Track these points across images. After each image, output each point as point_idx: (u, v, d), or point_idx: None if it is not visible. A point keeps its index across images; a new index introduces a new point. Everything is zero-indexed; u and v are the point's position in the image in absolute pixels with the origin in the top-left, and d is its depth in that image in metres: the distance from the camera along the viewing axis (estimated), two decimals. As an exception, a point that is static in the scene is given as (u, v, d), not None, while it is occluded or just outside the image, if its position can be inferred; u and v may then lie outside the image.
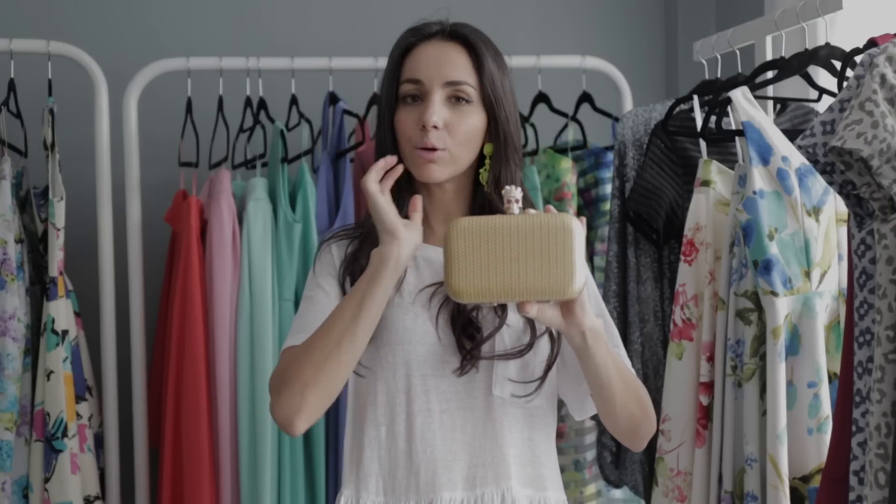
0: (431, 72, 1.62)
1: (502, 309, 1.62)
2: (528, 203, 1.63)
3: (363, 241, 1.68)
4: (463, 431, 1.62)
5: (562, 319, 1.51)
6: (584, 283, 1.44)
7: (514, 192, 1.47)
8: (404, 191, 1.67)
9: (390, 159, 1.62)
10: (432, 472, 1.62)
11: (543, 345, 1.64)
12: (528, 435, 1.66)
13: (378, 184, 1.59)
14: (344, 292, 1.66)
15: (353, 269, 1.66)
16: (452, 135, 1.61)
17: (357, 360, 1.57)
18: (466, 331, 1.61)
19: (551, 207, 1.49)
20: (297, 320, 1.65)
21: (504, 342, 1.62)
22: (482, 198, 1.67)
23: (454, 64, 1.63)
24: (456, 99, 1.62)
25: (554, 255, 1.42)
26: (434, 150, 1.60)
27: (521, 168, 1.69)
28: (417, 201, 1.63)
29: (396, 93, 1.65)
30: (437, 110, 1.60)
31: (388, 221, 1.56)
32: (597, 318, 1.58)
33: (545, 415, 1.68)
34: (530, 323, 1.63)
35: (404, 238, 1.56)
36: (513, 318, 1.63)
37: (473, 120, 1.63)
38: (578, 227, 1.44)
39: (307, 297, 1.67)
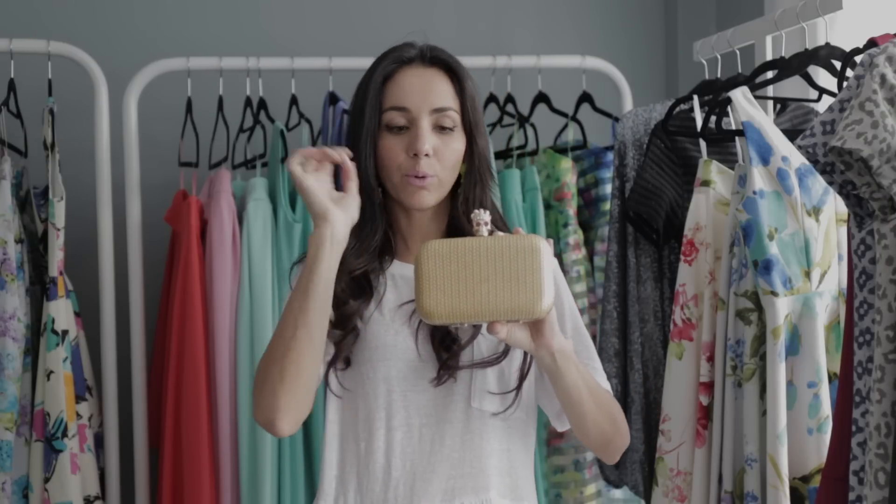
0: (418, 100, 1.64)
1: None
2: (501, 225, 1.68)
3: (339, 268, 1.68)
4: (442, 444, 1.64)
5: (531, 341, 1.52)
6: (552, 302, 1.46)
7: (483, 216, 1.49)
8: (381, 215, 1.69)
9: (333, 154, 1.57)
10: (410, 485, 1.63)
11: (518, 353, 1.66)
12: (506, 446, 1.67)
13: (301, 166, 1.56)
14: None
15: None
16: (440, 161, 1.64)
17: (319, 349, 1.56)
18: (444, 342, 1.63)
19: (520, 229, 1.51)
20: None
21: (481, 352, 1.64)
22: (456, 217, 1.69)
23: (439, 91, 1.65)
24: (441, 126, 1.64)
25: (522, 274, 1.44)
26: (425, 177, 1.62)
27: (492, 186, 1.72)
28: (351, 171, 1.60)
29: (379, 120, 1.65)
30: (429, 138, 1.62)
31: (316, 204, 1.55)
32: (572, 333, 1.65)
33: (523, 426, 1.70)
34: None
35: (335, 219, 1.55)
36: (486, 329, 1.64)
37: (457, 145, 1.66)
38: (546, 248, 1.46)
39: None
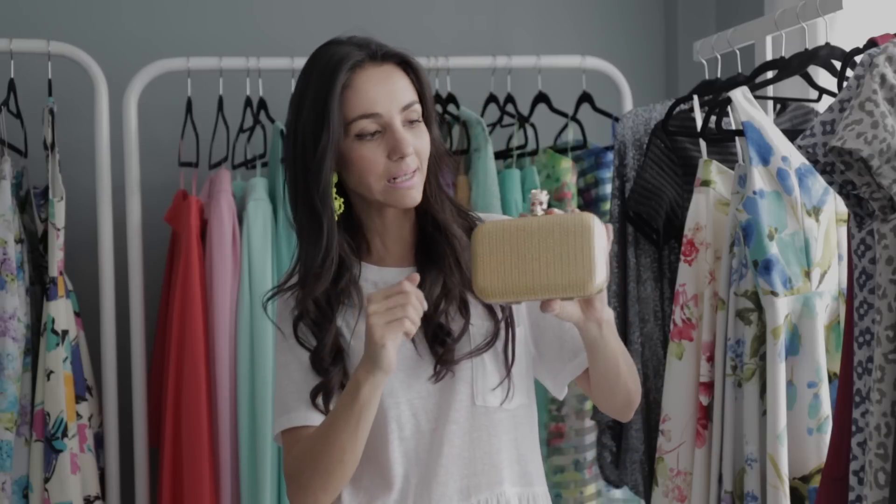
0: (387, 102, 1.58)
1: (465, 309, 1.63)
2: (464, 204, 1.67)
3: (303, 287, 1.64)
4: (451, 445, 1.63)
5: (581, 313, 1.53)
6: (604, 280, 1.46)
7: (540, 196, 1.49)
8: (349, 222, 1.65)
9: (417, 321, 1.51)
10: (427, 489, 1.63)
11: (500, 341, 1.65)
12: (513, 436, 1.68)
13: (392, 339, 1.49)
14: (302, 345, 1.63)
15: (304, 319, 1.63)
16: (419, 155, 1.60)
17: (360, 456, 1.58)
18: (437, 337, 1.62)
19: (575, 209, 1.49)
20: (281, 395, 1.64)
21: (477, 342, 1.64)
22: (424, 208, 1.65)
23: (402, 87, 1.60)
24: (410, 120, 1.60)
25: (573, 252, 1.44)
26: (414, 172, 1.59)
27: (450, 171, 1.70)
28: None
29: (344, 132, 1.58)
30: (408, 137, 1.58)
31: (387, 361, 1.50)
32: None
33: (526, 411, 1.70)
34: (491, 315, 1.64)
35: (392, 370, 1.52)
36: (476, 315, 1.64)
37: (426, 135, 1.62)
38: (599, 226, 1.46)
39: (281, 363, 1.65)
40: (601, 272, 1.45)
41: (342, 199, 1.64)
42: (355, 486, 1.65)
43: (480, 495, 1.64)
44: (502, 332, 1.65)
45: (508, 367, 1.65)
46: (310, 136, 1.58)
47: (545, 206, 1.49)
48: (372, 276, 1.67)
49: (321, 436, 1.57)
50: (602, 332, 1.55)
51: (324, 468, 1.56)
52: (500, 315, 1.65)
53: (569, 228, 1.44)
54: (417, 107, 1.61)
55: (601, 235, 1.46)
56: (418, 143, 1.60)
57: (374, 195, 1.61)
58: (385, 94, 1.58)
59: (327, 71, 1.58)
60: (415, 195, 1.61)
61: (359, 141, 1.58)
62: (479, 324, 1.64)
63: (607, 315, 1.55)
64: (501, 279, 1.45)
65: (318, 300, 1.63)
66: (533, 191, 1.50)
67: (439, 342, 1.62)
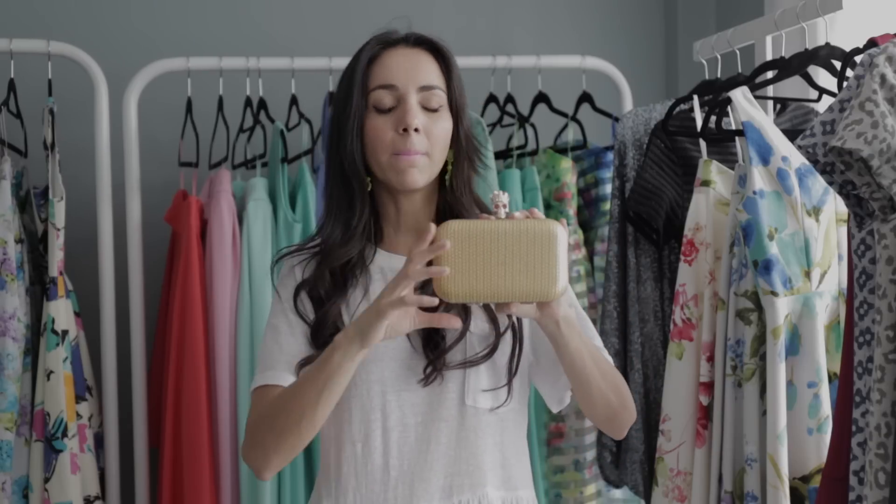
0: (405, 77, 1.63)
1: (466, 314, 1.63)
2: (481, 206, 1.69)
3: (322, 260, 1.67)
4: (437, 442, 1.63)
5: (537, 311, 1.54)
6: (566, 285, 1.50)
7: (502, 198, 1.51)
8: (367, 201, 1.67)
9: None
10: (409, 484, 1.63)
11: (506, 349, 1.65)
12: (500, 439, 1.67)
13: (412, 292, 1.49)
14: (299, 314, 1.65)
15: (312, 294, 1.65)
16: (430, 138, 1.63)
17: (318, 429, 1.57)
18: (432, 340, 1.62)
19: (536, 211, 1.52)
20: (264, 354, 1.65)
21: (474, 348, 1.63)
22: (447, 203, 1.68)
23: (426, 69, 1.65)
24: (428, 106, 1.64)
25: (538, 259, 1.47)
26: (417, 153, 1.61)
27: (477, 171, 1.71)
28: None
29: (365, 102, 1.64)
30: (418, 114, 1.62)
31: (371, 335, 1.49)
32: (570, 308, 1.62)
33: (515, 416, 1.69)
34: (494, 325, 1.64)
35: (375, 343, 1.52)
36: (477, 320, 1.64)
37: (446, 124, 1.65)
38: (562, 233, 1.48)
39: (272, 325, 1.66)
40: (563, 279, 1.48)
41: (369, 178, 1.67)
42: (339, 473, 1.65)
43: (462, 495, 1.63)
44: (508, 346, 1.65)
45: (510, 378, 1.65)
46: (341, 108, 1.65)
47: (507, 208, 1.51)
48: (381, 261, 1.68)
49: (286, 396, 1.57)
50: (560, 329, 1.55)
51: (279, 429, 1.55)
52: (502, 325, 1.64)
53: (535, 236, 1.47)
54: (440, 93, 1.65)
55: (564, 242, 1.48)
56: (432, 127, 1.63)
57: (382, 171, 1.64)
58: (404, 69, 1.64)
59: (366, 45, 1.68)
60: (415, 175, 1.62)
61: (375, 113, 1.64)
62: (480, 330, 1.64)
63: (563, 312, 1.54)
64: (466, 281, 1.47)
65: (335, 273, 1.65)
66: (495, 192, 1.51)
67: (433, 345, 1.62)
